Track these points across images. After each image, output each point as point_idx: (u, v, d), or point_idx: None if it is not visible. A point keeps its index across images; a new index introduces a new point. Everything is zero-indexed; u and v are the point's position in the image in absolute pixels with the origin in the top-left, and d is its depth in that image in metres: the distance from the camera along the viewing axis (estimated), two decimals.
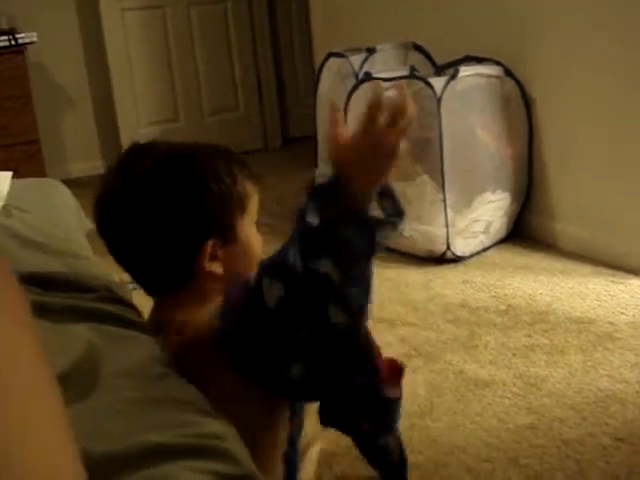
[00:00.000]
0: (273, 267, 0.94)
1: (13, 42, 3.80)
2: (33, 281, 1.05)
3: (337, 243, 0.92)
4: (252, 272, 0.97)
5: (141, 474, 0.68)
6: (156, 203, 1.05)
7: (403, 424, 1.76)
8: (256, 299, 0.92)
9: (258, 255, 1.11)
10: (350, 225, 0.93)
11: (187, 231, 1.05)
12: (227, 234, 1.08)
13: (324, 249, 0.92)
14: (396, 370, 1.15)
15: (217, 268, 1.07)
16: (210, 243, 1.06)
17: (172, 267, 1.07)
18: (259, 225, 1.16)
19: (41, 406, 0.50)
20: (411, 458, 1.62)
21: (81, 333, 0.88)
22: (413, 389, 1.91)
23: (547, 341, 2.12)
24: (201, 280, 1.07)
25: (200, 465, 0.71)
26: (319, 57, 3.63)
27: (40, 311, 0.94)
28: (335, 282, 0.91)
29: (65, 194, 1.84)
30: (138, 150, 1.14)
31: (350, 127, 1.01)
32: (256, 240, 1.13)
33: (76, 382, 0.80)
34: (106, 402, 0.78)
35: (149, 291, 1.12)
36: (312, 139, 3.43)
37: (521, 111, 2.84)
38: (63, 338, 0.85)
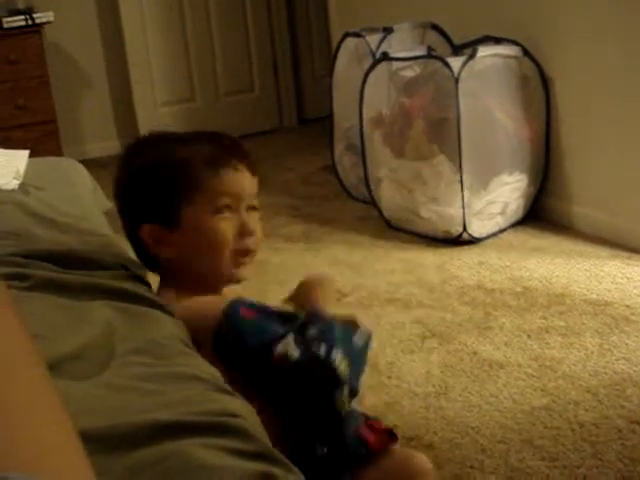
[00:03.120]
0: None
1: (30, 22, 3.80)
2: (51, 259, 1.06)
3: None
4: (213, 260, 1.11)
5: (152, 450, 0.68)
6: (120, 192, 1.18)
7: (418, 404, 1.77)
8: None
9: (218, 241, 1.11)
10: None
11: (131, 214, 1.15)
12: (169, 219, 1.11)
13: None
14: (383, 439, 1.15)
15: (166, 252, 1.13)
16: (147, 226, 1.12)
17: (134, 248, 1.16)
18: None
19: (30, 387, 0.50)
20: (426, 438, 1.63)
21: (98, 310, 0.88)
22: (428, 370, 1.92)
23: (563, 323, 2.11)
24: (163, 263, 1.15)
25: (214, 442, 0.72)
26: (336, 37, 3.61)
27: (58, 288, 0.95)
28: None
29: (82, 173, 1.84)
30: (139, 142, 1.23)
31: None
32: (213, 226, 1.11)
33: (92, 358, 0.81)
34: (121, 378, 0.78)
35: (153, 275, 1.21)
36: (328, 119, 3.42)
37: (539, 92, 2.82)
38: (81, 315, 0.85)
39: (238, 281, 1.18)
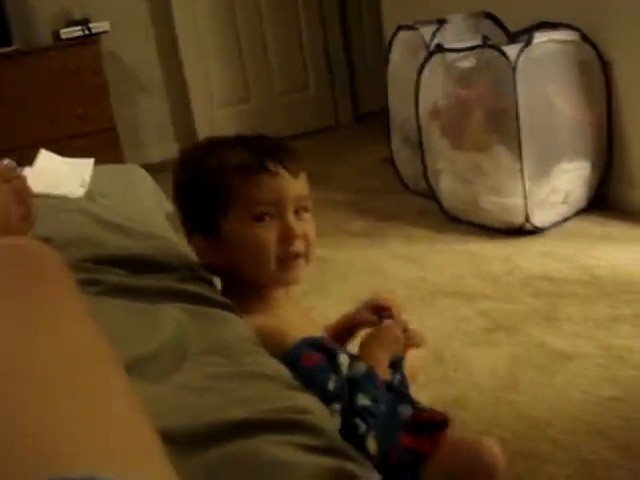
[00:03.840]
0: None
1: (87, 32, 3.89)
2: (119, 263, 1.09)
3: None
4: (256, 267, 1.11)
5: (227, 448, 0.69)
6: (174, 198, 1.22)
7: (487, 398, 1.76)
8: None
9: (259, 248, 1.10)
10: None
11: (184, 225, 1.19)
12: (209, 229, 1.13)
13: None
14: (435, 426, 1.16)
15: (210, 259, 1.16)
16: (195, 236, 1.15)
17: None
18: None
19: (111, 387, 0.51)
20: (496, 433, 1.62)
21: (169, 313, 0.90)
22: (495, 363, 1.90)
23: (632, 312, 2.06)
24: (219, 271, 1.18)
25: (287, 438, 0.73)
26: (389, 31, 3.60)
27: (129, 293, 0.98)
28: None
29: (144, 178, 1.88)
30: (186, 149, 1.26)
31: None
32: (251, 234, 1.09)
33: (165, 360, 0.83)
34: (194, 378, 0.80)
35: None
36: (383, 113, 3.42)
37: (599, 77, 2.76)
38: (152, 318, 0.87)
39: (291, 284, 1.18)
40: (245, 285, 1.15)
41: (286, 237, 1.11)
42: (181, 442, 0.64)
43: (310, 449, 0.74)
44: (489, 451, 1.16)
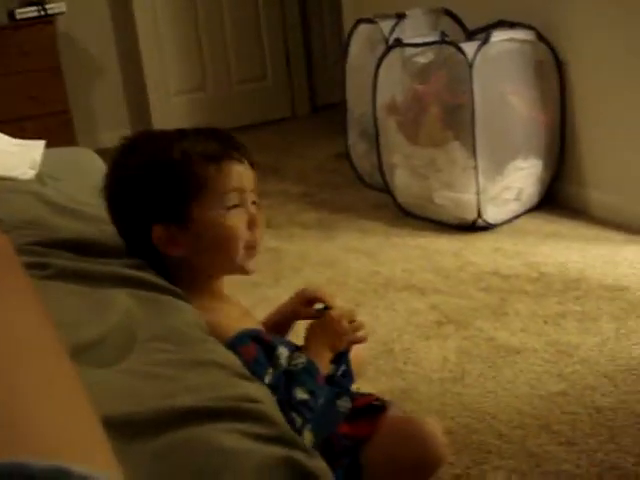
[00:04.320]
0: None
1: (42, 13, 3.81)
2: (68, 247, 1.07)
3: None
4: (226, 254, 1.13)
5: (175, 435, 0.69)
6: (123, 189, 1.14)
7: (435, 390, 1.77)
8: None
9: (230, 235, 1.13)
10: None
11: (137, 214, 1.12)
12: (180, 218, 1.11)
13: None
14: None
15: (175, 251, 1.12)
16: (160, 226, 1.11)
17: (141, 250, 1.13)
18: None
19: (53, 375, 0.50)
20: (443, 424, 1.63)
21: (118, 298, 0.89)
22: (444, 356, 1.92)
23: (579, 308, 2.10)
24: (171, 262, 1.13)
25: (236, 426, 0.73)
26: (348, 24, 3.60)
27: (77, 277, 0.96)
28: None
29: (96, 162, 1.85)
30: (133, 138, 1.21)
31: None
32: (224, 220, 1.12)
33: (113, 345, 0.82)
34: (142, 365, 0.79)
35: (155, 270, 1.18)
36: (341, 106, 3.42)
37: (553, 76, 2.80)
38: (101, 303, 0.86)
39: (250, 273, 1.20)
40: (193, 278, 1.15)
41: (252, 225, 1.15)
42: (126, 429, 0.63)
43: (259, 437, 0.74)
44: (428, 430, 1.19)
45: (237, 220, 1.13)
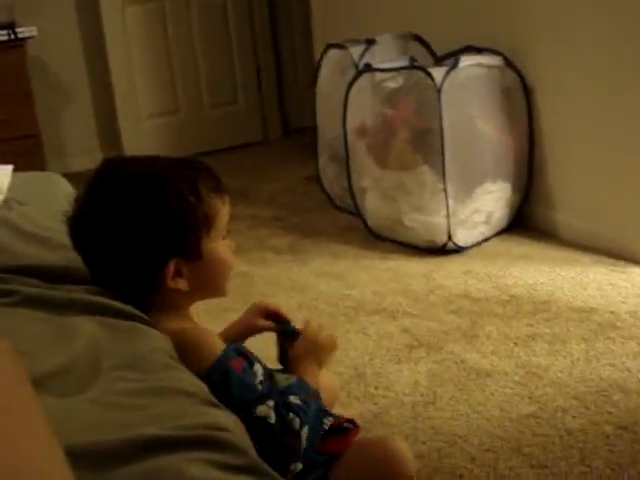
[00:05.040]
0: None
1: (13, 36, 3.78)
2: (34, 274, 1.06)
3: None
4: (222, 283, 1.18)
5: (140, 465, 0.68)
6: (120, 225, 1.09)
7: (407, 414, 1.77)
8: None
9: (228, 266, 1.18)
10: None
11: (149, 251, 1.09)
12: (192, 252, 1.12)
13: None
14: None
15: (182, 284, 1.12)
16: (173, 262, 1.10)
17: (138, 282, 1.11)
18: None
19: (10, 401, 0.49)
20: (415, 448, 1.63)
21: (84, 326, 0.88)
22: (415, 379, 1.92)
23: (549, 330, 2.11)
24: (167, 293, 1.13)
25: (202, 455, 0.72)
26: (319, 49, 3.62)
27: (43, 304, 0.95)
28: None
29: (65, 187, 1.83)
30: (107, 170, 1.16)
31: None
32: (224, 253, 1.17)
33: (77, 374, 0.81)
34: (107, 393, 0.78)
35: (123, 299, 1.14)
36: (312, 130, 3.43)
37: (521, 101, 2.83)
38: (66, 331, 0.85)
39: (226, 296, 1.24)
40: (176, 305, 1.16)
41: (232, 252, 1.20)
42: (90, 459, 0.62)
43: (227, 467, 0.73)
44: (397, 450, 1.22)
45: (228, 249, 1.19)
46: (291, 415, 1.09)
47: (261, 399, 1.08)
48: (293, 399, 1.12)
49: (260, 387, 1.10)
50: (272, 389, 1.12)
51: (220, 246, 1.16)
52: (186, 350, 1.06)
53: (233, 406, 1.00)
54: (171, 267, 1.10)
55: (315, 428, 1.15)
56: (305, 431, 1.10)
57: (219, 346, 1.11)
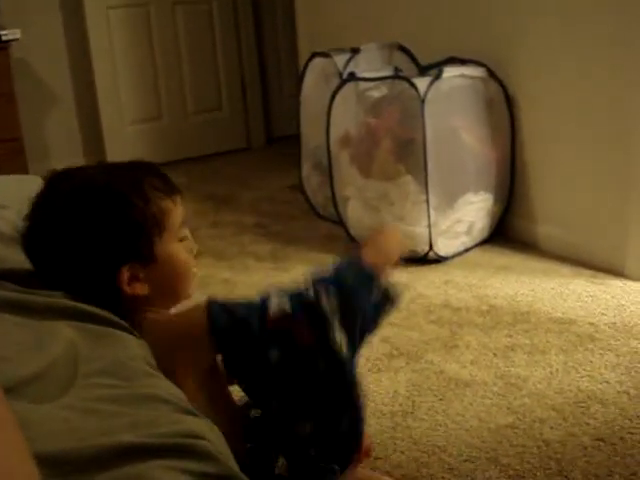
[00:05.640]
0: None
1: None
2: (13, 278, 1.05)
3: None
4: (183, 285, 1.15)
5: (115, 473, 0.67)
6: (68, 235, 1.08)
7: (386, 424, 1.77)
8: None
9: (185, 267, 1.16)
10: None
11: (100, 258, 1.08)
12: (145, 256, 1.11)
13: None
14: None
15: (140, 289, 1.11)
16: (126, 268, 1.09)
17: (96, 292, 1.09)
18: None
19: None
20: (393, 458, 1.63)
21: (62, 331, 0.87)
22: (395, 389, 1.92)
23: (528, 341, 2.13)
24: (129, 300, 1.11)
25: (178, 464, 0.71)
26: (303, 57, 3.63)
27: (20, 309, 0.94)
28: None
29: None
30: (55, 182, 1.16)
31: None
32: (180, 253, 1.15)
33: (54, 380, 0.80)
34: (83, 400, 0.77)
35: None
36: (296, 138, 3.43)
37: (504, 113, 2.85)
38: (43, 336, 0.84)
39: (189, 298, 1.21)
40: (143, 312, 1.14)
41: (191, 251, 1.19)
42: (63, 466, 0.61)
43: (203, 475, 0.72)
44: None
45: (186, 251, 1.17)
46: (304, 291, 1.07)
47: (266, 300, 1.06)
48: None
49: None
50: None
51: (175, 247, 1.14)
52: (183, 321, 1.09)
53: (248, 331, 1.01)
54: (125, 273, 1.09)
55: (357, 290, 1.11)
56: (323, 295, 1.06)
57: (200, 301, 1.10)
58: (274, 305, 1.04)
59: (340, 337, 1.05)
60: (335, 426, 1.11)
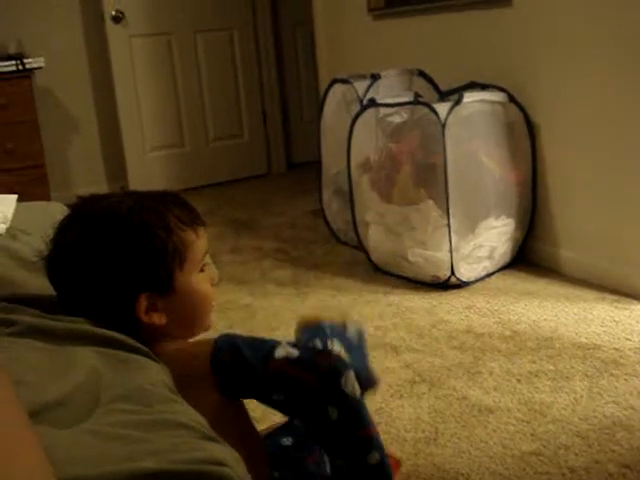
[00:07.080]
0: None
1: (21, 67, 3.83)
2: (36, 304, 1.06)
3: None
4: (201, 317, 1.15)
5: None
6: (89, 262, 1.08)
7: (408, 451, 1.75)
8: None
9: (205, 299, 1.16)
10: None
11: (119, 287, 1.08)
12: (164, 286, 1.10)
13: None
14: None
15: (158, 319, 1.11)
16: (144, 297, 1.09)
17: (116, 319, 1.09)
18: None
19: (6, 433, 0.49)
20: None
21: (85, 357, 0.87)
22: (417, 415, 1.90)
23: (552, 367, 2.10)
24: (147, 329, 1.11)
25: None
26: (324, 83, 3.66)
27: (44, 334, 0.94)
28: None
29: None
30: (79, 208, 1.16)
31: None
32: (201, 285, 1.15)
33: (77, 405, 0.80)
34: (106, 426, 0.77)
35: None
36: (316, 164, 3.45)
37: (525, 137, 2.85)
38: (66, 361, 0.84)
39: (209, 329, 1.21)
40: (171, 337, 1.15)
41: (213, 282, 1.19)
42: None
43: None
44: None
45: (206, 281, 1.17)
46: (310, 342, 1.05)
47: (275, 345, 1.05)
48: (304, 336, 1.09)
49: (270, 341, 1.07)
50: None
51: (196, 279, 1.14)
52: (187, 354, 1.07)
53: (251, 372, 1.00)
54: (142, 302, 1.09)
55: (342, 338, 1.10)
56: (333, 344, 1.04)
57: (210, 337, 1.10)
58: (280, 353, 1.03)
59: (353, 381, 1.04)
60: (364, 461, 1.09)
